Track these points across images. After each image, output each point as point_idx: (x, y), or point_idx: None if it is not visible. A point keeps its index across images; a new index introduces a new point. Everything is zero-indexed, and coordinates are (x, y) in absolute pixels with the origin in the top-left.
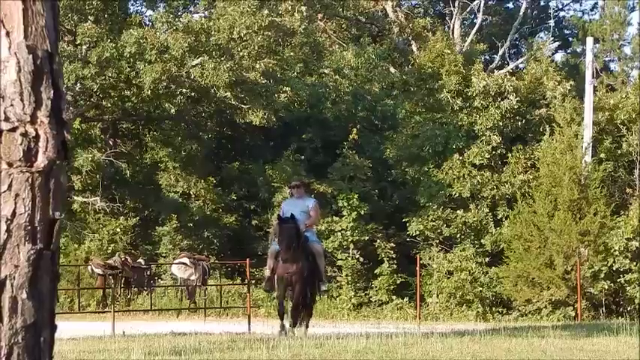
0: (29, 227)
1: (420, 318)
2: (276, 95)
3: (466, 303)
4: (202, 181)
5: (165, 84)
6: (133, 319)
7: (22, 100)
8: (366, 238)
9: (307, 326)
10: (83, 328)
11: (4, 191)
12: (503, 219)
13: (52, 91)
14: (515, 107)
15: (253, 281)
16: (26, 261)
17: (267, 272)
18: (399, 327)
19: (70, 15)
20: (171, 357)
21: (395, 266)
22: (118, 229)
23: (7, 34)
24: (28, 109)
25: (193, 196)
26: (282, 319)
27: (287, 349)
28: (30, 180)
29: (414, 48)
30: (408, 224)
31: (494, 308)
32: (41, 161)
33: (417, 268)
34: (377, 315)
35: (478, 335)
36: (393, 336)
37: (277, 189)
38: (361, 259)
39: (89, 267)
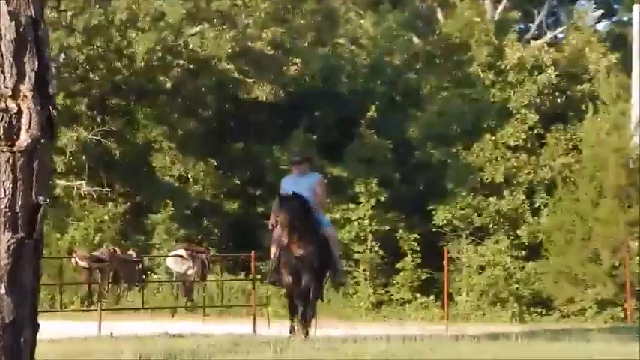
0: (9, 213)
1: (447, 318)
2: (284, 68)
3: (500, 302)
4: (201, 163)
5: (160, 55)
6: (123, 319)
7: (2, 71)
8: (387, 228)
9: (311, 319)
10: (66, 328)
11: None
12: (542, 207)
13: (36, 62)
14: (554, 82)
15: (259, 276)
16: (6, 251)
17: (271, 262)
18: (424, 328)
19: None
20: None
21: (419, 260)
22: (106, 217)
23: None
24: (10, 81)
25: (191, 180)
26: (292, 316)
27: (297, 353)
28: (11, 161)
29: (440, 15)
30: (434, 213)
31: (531, 308)
32: (24, 140)
33: (445, 263)
34: (399, 315)
35: (514, 338)
36: (417, 339)
37: (286, 172)
38: (381, 252)
39: (73, 259)
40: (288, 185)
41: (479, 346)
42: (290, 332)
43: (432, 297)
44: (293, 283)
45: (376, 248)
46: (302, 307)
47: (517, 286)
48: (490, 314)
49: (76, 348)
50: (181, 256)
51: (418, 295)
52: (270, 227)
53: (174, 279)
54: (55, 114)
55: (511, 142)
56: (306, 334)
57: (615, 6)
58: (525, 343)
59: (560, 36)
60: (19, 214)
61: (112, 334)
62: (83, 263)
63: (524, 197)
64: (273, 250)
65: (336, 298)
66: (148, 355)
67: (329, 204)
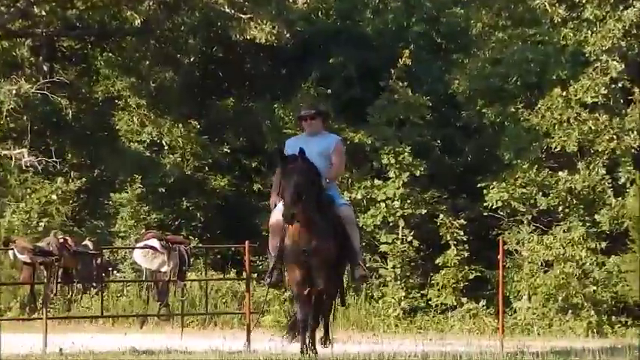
0: None
1: (503, 331)
2: (290, 0)
3: (572, 309)
4: (180, 125)
5: None
6: (76, 330)
7: None
8: (424, 211)
9: (327, 336)
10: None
11: None
12: (628, 184)
13: None
14: None
15: (255, 275)
16: None
17: (270, 259)
18: (471, 344)
19: None
20: None
21: (466, 254)
22: (55, 197)
23: None
24: None
25: (167, 147)
26: (304, 331)
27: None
28: None
29: None
30: (485, 192)
31: (613, 317)
32: None
33: (500, 257)
34: (439, 326)
35: (591, 357)
36: (462, 357)
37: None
38: (416, 244)
39: (10, 252)
40: (296, 149)
41: None
42: (302, 351)
43: (482, 303)
44: (301, 286)
45: (409, 238)
46: (314, 319)
47: (595, 288)
48: (559, 325)
49: None
50: (153, 249)
51: (464, 300)
52: (272, 207)
53: (143, 278)
54: None
55: (588, 98)
56: (315, 349)
57: None
58: None
59: None
60: None
61: (61, 350)
62: (24, 257)
63: (604, 171)
64: (272, 239)
65: (356, 304)
66: None
67: (348, 179)
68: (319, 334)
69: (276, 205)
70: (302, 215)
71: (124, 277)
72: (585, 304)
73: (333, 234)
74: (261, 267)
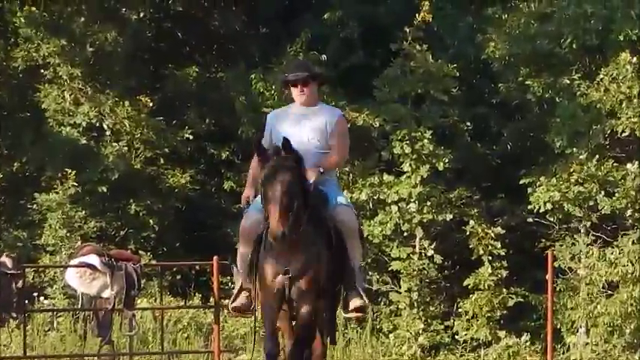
0: None
1: None
2: None
3: None
4: (127, 103)
5: None
6: None
7: None
8: (449, 216)
9: None
10: None
11: None
12: None
13: None
14: None
15: (226, 301)
16: None
17: (238, 276)
18: None
19: None
20: None
21: (504, 273)
22: None
23: None
24: None
25: (109, 132)
26: None
27: None
28: None
29: None
30: (530, 190)
31: None
32: None
33: (549, 277)
34: None
35: None
36: None
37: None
38: (438, 260)
39: None
40: (282, 127)
41: None
42: None
43: (525, 337)
44: (278, 314)
45: (430, 253)
46: (301, 348)
47: None
48: None
49: None
50: (92, 267)
51: (502, 333)
52: (243, 205)
53: (78, 306)
54: None
55: None
56: None
57: None
58: None
59: None
60: None
61: None
62: None
63: None
64: (243, 248)
65: (360, 339)
66: None
67: (349, 175)
68: None
69: (248, 204)
70: (292, 231)
71: (54, 305)
72: None
73: (325, 247)
74: (234, 290)
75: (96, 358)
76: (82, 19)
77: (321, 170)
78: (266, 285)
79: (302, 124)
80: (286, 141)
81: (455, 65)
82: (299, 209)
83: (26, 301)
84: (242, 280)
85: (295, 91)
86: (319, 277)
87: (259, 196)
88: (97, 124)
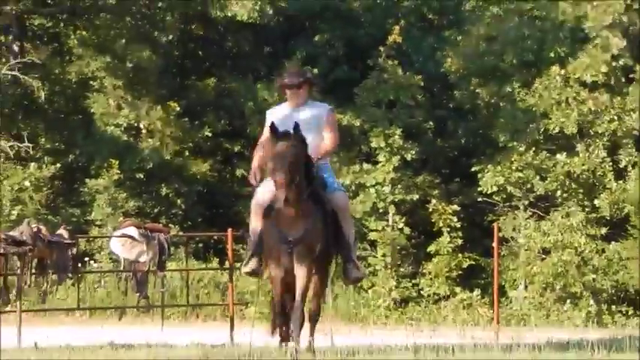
0: None
1: (498, 322)
2: None
3: (571, 298)
4: (158, 108)
5: None
6: (51, 323)
7: None
8: (415, 197)
9: (312, 334)
10: None
11: None
12: (629, 167)
13: None
14: None
15: (238, 264)
16: None
17: (249, 242)
18: (465, 336)
19: None
20: None
21: (459, 242)
22: (28, 183)
23: None
24: None
25: (144, 131)
26: (282, 326)
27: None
28: None
29: None
30: (480, 176)
31: (614, 307)
32: None
33: (495, 244)
34: (431, 317)
35: (589, 349)
36: (455, 349)
37: None
38: (407, 231)
39: None
40: (278, 122)
41: None
42: (280, 346)
43: (477, 292)
44: (283, 278)
45: (400, 225)
46: (298, 314)
47: (594, 276)
48: (557, 315)
49: None
50: (131, 237)
51: (458, 289)
52: (252, 181)
53: (121, 269)
54: None
55: (587, 77)
56: (311, 334)
57: None
58: (604, 355)
59: None
60: None
61: (36, 344)
62: None
63: (604, 154)
64: (255, 220)
65: (345, 294)
66: None
67: (336, 163)
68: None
69: (259, 179)
70: (294, 200)
71: (101, 268)
72: (584, 293)
73: (323, 224)
74: (245, 256)
75: (135, 309)
76: (123, 40)
77: (318, 157)
78: (271, 252)
79: (297, 119)
80: (297, 126)
81: (420, 77)
82: (301, 182)
83: (79, 265)
84: (253, 246)
85: (290, 93)
86: (316, 243)
87: (266, 179)
88: (135, 125)
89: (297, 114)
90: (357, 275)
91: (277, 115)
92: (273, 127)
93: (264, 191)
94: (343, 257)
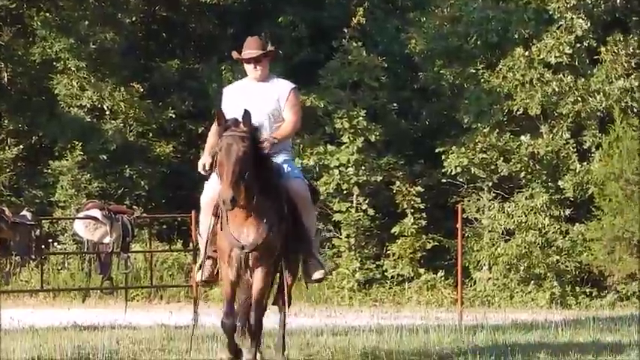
0: None
1: (462, 303)
2: None
3: (535, 279)
4: (122, 89)
5: None
6: (14, 305)
7: None
8: (379, 178)
9: (282, 348)
10: None
11: None
12: (593, 149)
13: None
14: None
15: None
16: None
17: (201, 245)
18: (429, 317)
19: None
20: None
21: (423, 223)
22: None
23: None
24: None
25: (108, 112)
26: (230, 336)
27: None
28: None
29: None
30: (444, 157)
31: (577, 288)
32: None
33: (459, 226)
34: (395, 298)
35: (553, 330)
36: (419, 330)
37: None
38: (371, 212)
39: None
40: (237, 100)
41: (504, 341)
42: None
43: (440, 273)
44: (234, 282)
45: (364, 206)
46: (253, 320)
47: (558, 257)
48: (521, 297)
49: None
50: (95, 219)
51: (422, 270)
52: (201, 170)
53: (84, 250)
54: None
55: (552, 58)
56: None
57: None
58: (568, 336)
59: None
60: None
61: None
62: None
63: (568, 135)
64: (205, 219)
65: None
66: (50, 355)
67: (300, 145)
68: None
69: (208, 173)
70: (243, 201)
71: (65, 249)
72: (548, 274)
73: (278, 218)
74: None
75: (99, 291)
76: (87, 22)
77: (275, 141)
78: (224, 256)
79: (256, 97)
80: (246, 113)
81: (384, 58)
82: (251, 179)
83: (43, 246)
84: (206, 249)
85: (249, 68)
86: (272, 246)
87: (216, 162)
88: (99, 106)
89: (256, 89)
90: (318, 275)
91: (234, 92)
92: (219, 114)
93: (214, 187)
94: (304, 253)
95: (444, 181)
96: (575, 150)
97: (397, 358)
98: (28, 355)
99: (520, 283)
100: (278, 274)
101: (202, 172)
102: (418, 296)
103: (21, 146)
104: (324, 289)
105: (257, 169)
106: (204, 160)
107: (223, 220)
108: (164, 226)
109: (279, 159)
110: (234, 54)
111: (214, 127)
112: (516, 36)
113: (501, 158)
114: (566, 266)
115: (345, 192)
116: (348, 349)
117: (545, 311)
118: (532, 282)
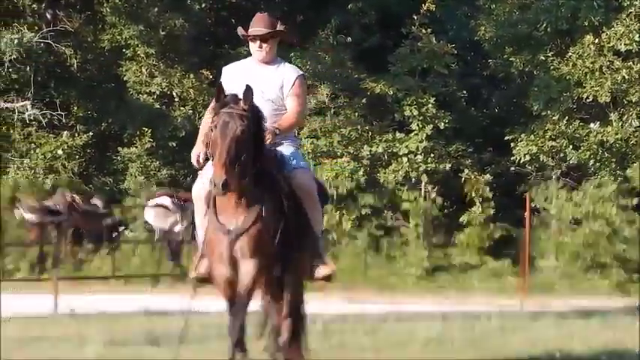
0: None
1: (525, 291)
2: None
3: (599, 268)
4: (191, 75)
5: None
6: (86, 291)
7: None
8: (448, 166)
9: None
10: (9, 304)
11: None
12: None
13: None
14: None
15: None
16: None
17: (198, 237)
18: (493, 304)
19: None
20: (145, 348)
21: (492, 211)
22: (60, 152)
23: None
24: None
25: (177, 99)
26: (232, 341)
27: (321, 336)
28: None
29: None
30: (513, 145)
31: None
32: None
33: (527, 215)
34: (461, 285)
35: (613, 317)
36: (483, 318)
37: (308, 87)
38: (439, 201)
39: (17, 211)
40: (236, 81)
41: (564, 327)
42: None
43: (507, 262)
44: (228, 278)
45: (432, 195)
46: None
47: (625, 246)
48: (583, 284)
49: (26, 330)
50: (165, 207)
51: (488, 259)
52: (194, 162)
53: (155, 238)
54: None
55: (622, 45)
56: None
57: None
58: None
59: None
60: None
61: (72, 311)
62: (31, 217)
63: (637, 123)
64: (199, 215)
65: (375, 262)
66: (122, 341)
67: (368, 132)
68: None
69: (203, 160)
70: (236, 183)
71: (135, 237)
72: (613, 263)
73: (273, 209)
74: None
75: (169, 278)
76: (156, 9)
77: (277, 131)
78: (212, 247)
79: (258, 80)
80: (248, 89)
81: (453, 45)
82: (246, 163)
83: (114, 234)
84: (201, 246)
85: (254, 47)
86: (263, 236)
87: (210, 160)
88: (168, 93)
89: (258, 72)
90: (324, 272)
91: (234, 71)
92: (220, 88)
93: (205, 181)
94: (309, 253)
95: (512, 169)
96: None
97: (460, 344)
98: (101, 339)
99: (584, 271)
100: (278, 275)
101: (196, 165)
102: (484, 284)
103: (90, 133)
104: (390, 276)
105: (255, 153)
106: (197, 150)
107: (211, 208)
108: None
109: (283, 149)
110: (240, 30)
111: (211, 105)
112: (586, 23)
113: (570, 146)
114: (631, 256)
115: (413, 180)
116: (411, 334)
117: (606, 298)
118: (596, 270)
